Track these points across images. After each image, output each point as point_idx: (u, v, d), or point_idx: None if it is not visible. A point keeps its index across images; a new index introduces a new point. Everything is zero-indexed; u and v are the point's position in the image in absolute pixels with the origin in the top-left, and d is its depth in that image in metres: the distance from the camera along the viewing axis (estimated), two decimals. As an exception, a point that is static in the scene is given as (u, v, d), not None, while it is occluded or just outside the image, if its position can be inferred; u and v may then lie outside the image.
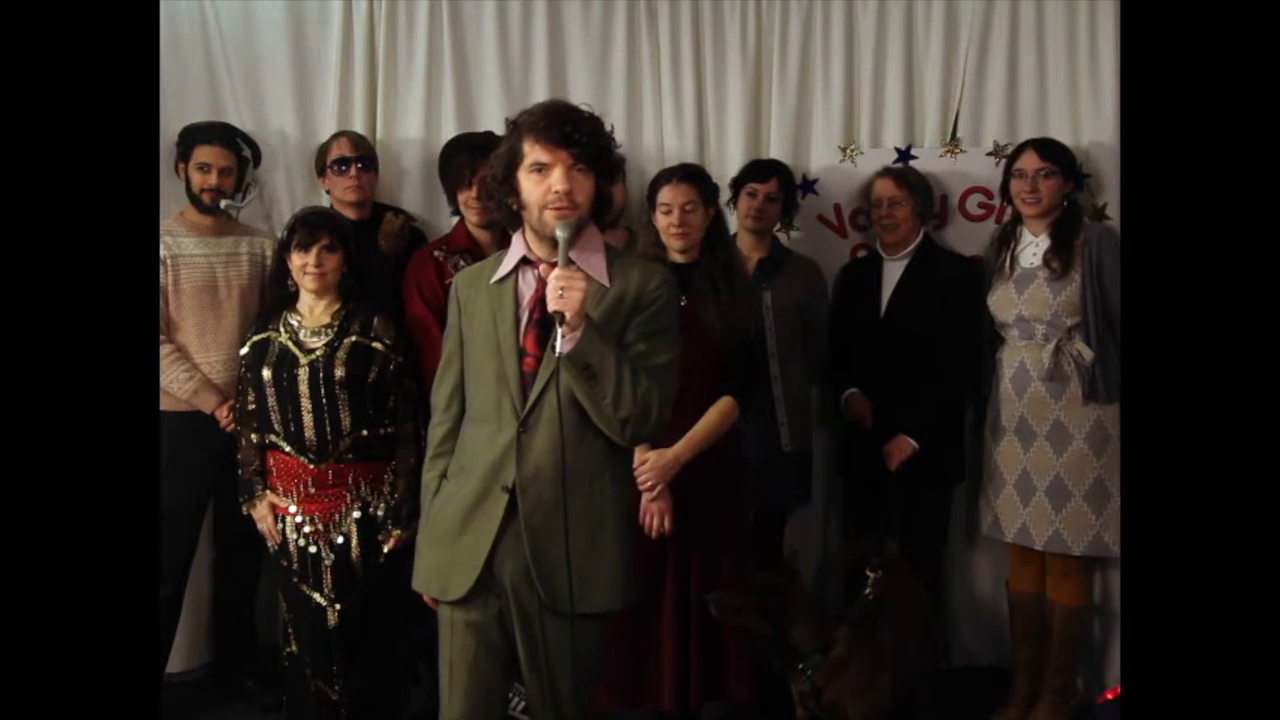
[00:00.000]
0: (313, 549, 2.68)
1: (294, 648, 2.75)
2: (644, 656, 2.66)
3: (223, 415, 3.03)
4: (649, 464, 2.58)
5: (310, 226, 2.69)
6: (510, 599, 2.06)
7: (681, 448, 2.60)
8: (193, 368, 3.05)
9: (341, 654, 2.69)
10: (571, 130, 1.95)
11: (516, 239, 2.09)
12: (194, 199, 3.13)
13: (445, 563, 2.08)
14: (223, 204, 3.16)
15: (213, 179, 3.12)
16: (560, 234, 1.93)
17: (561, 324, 1.88)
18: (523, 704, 3.05)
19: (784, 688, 2.67)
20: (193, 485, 3.09)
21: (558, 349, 1.89)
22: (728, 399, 2.66)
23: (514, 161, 1.99)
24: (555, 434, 1.98)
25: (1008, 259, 3.08)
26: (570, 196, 1.95)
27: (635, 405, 1.97)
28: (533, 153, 1.96)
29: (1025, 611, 3.13)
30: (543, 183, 1.96)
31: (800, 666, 2.51)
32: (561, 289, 1.88)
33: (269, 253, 3.20)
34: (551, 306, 1.88)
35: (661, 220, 2.69)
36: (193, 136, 3.16)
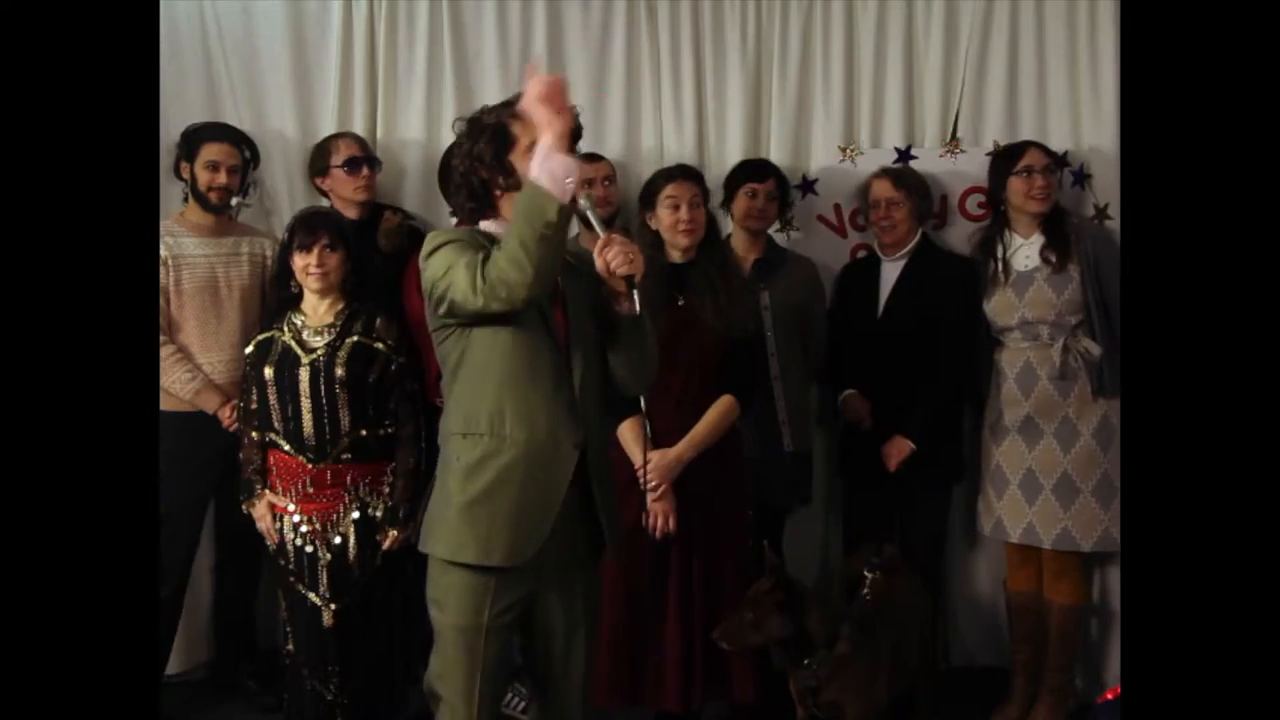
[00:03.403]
0: (310, 549, 2.68)
1: (292, 647, 2.76)
2: (647, 656, 2.66)
3: (225, 415, 3.04)
4: (652, 464, 2.59)
5: (309, 227, 2.70)
6: (566, 554, 2.10)
7: (684, 447, 2.61)
8: (195, 368, 3.05)
9: (337, 654, 2.69)
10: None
11: (495, 225, 2.12)
12: (200, 198, 3.13)
13: (510, 525, 2.04)
14: (233, 201, 3.16)
15: (222, 177, 3.12)
16: (584, 204, 2.04)
17: (631, 287, 2.04)
18: (522, 704, 3.05)
19: (784, 687, 2.67)
20: (194, 485, 3.09)
21: (636, 310, 2.05)
22: (728, 397, 2.67)
23: (504, 145, 2.07)
24: (593, 392, 2.12)
25: (999, 266, 3.09)
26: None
27: (655, 356, 2.18)
28: (529, 133, 2.04)
29: (1023, 611, 3.13)
30: None
31: (806, 662, 2.51)
32: (629, 254, 2.02)
33: (269, 253, 3.20)
34: (623, 271, 2.03)
35: (668, 217, 2.69)
36: (200, 135, 3.15)
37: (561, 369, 2.08)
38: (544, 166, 1.90)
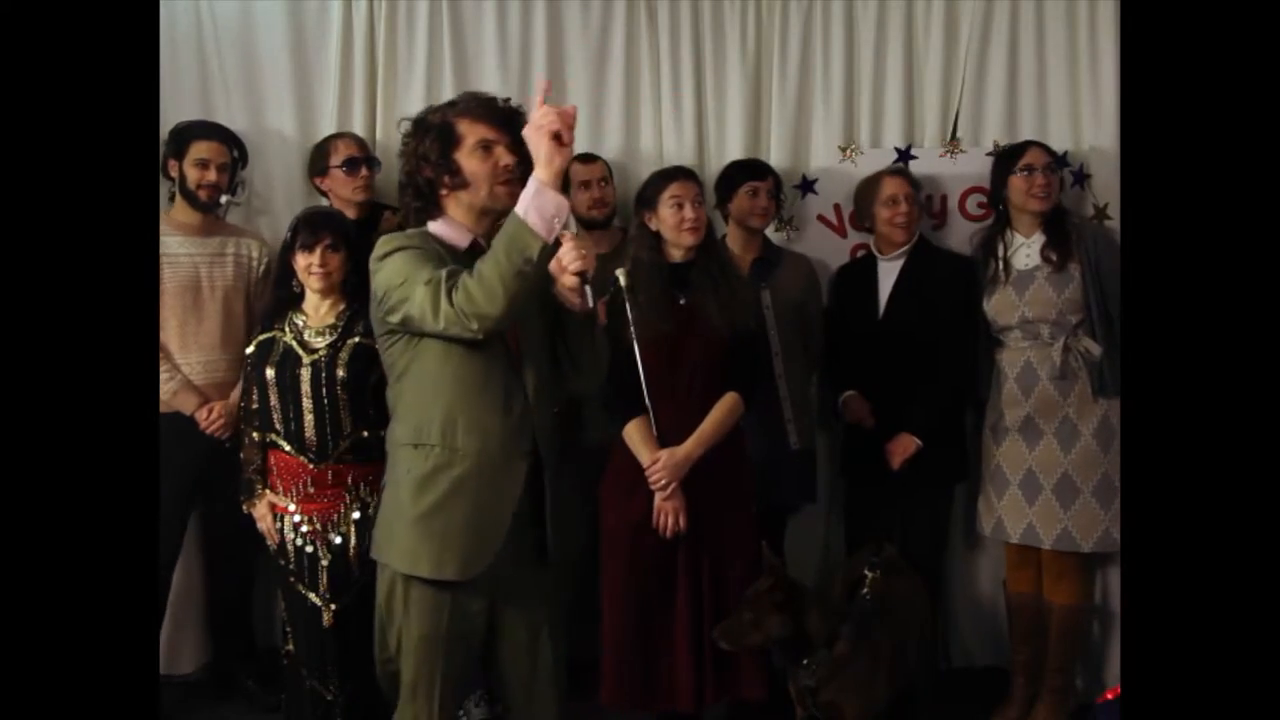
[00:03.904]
0: (310, 548, 2.68)
1: (292, 647, 2.76)
2: (658, 657, 2.66)
3: (203, 417, 3.02)
4: (661, 463, 2.60)
5: (313, 227, 2.70)
6: (521, 560, 2.09)
7: (692, 445, 2.63)
8: (173, 369, 3.03)
9: (336, 654, 2.69)
10: (511, 115, 2.11)
11: (443, 226, 2.12)
12: (189, 196, 3.10)
13: (463, 538, 2.04)
14: (223, 199, 3.14)
15: (212, 175, 3.10)
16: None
17: (586, 283, 2.04)
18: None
19: (785, 686, 2.67)
20: (172, 488, 3.03)
21: (589, 304, 2.06)
22: (733, 395, 2.68)
23: (450, 144, 2.06)
24: (546, 399, 2.13)
25: (999, 265, 3.09)
26: (517, 170, 2.05)
27: (606, 352, 2.22)
28: (475, 132, 2.06)
29: (1023, 612, 3.13)
30: (489, 159, 2.06)
31: (805, 662, 2.51)
32: (580, 250, 2.02)
33: (255, 254, 3.19)
34: (578, 267, 2.03)
35: (672, 216, 2.68)
36: (189, 133, 3.12)
37: (513, 379, 2.08)
38: (534, 202, 1.87)
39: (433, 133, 2.07)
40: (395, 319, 2.01)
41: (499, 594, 2.11)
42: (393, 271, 2.00)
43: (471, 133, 2.06)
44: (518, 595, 2.12)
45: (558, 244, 1.93)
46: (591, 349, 2.17)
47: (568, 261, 2.03)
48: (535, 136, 1.90)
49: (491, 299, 1.89)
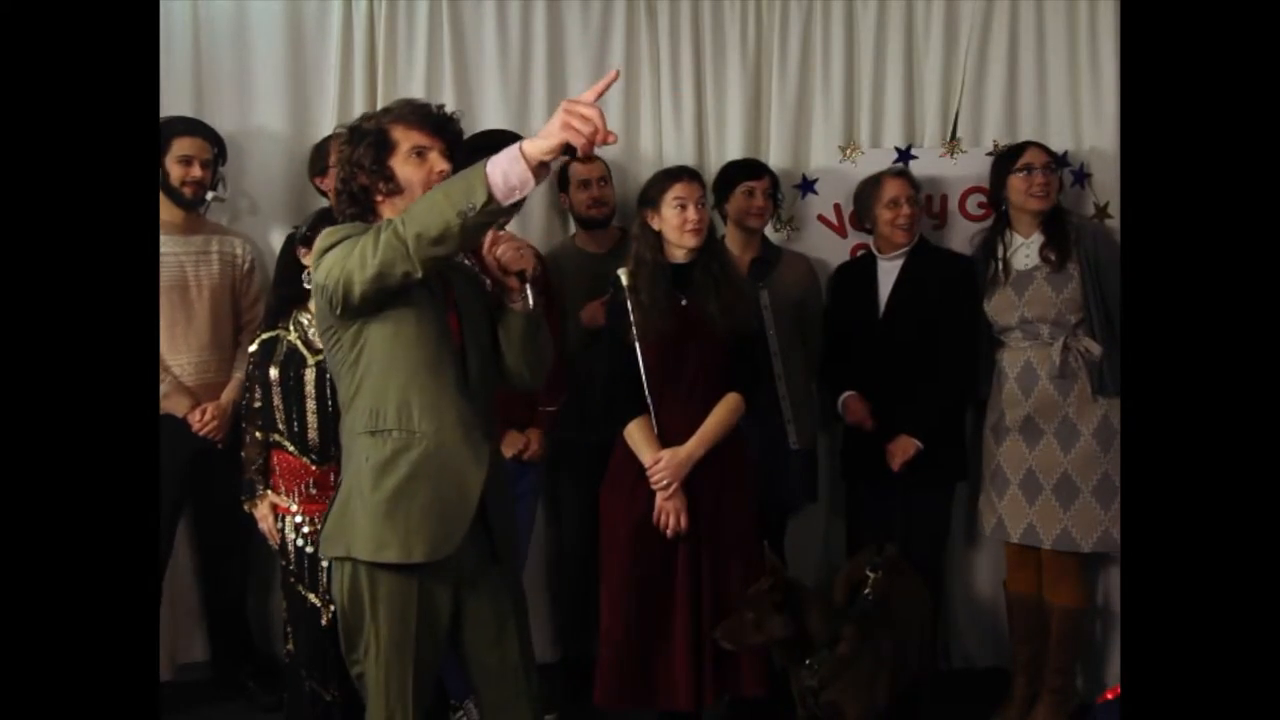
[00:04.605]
0: (310, 549, 2.68)
1: (292, 647, 2.76)
2: (656, 655, 2.66)
3: (195, 420, 3.01)
4: (664, 463, 2.61)
5: (329, 224, 2.68)
6: (483, 552, 2.10)
7: (695, 445, 2.63)
8: (163, 370, 3.01)
9: (336, 655, 2.68)
10: (445, 122, 2.12)
11: None
12: (173, 193, 3.07)
13: (429, 519, 2.03)
14: (209, 196, 3.11)
15: (196, 171, 3.07)
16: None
17: (524, 282, 2.10)
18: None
19: (786, 686, 2.67)
20: (165, 491, 3.04)
21: (531, 305, 2.12)
22: (734, 395, 2.69)
23: (384, 151, 2.07)
24: (487, 393, 2.15)
25: (999, 265, 3.09)
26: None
27: (550, 349, 2.26)
28: (409, 138, 2.07)
29: (1023, 612, 3.13)
30: (423, 166, 2.08)
31: (808, 662, 2.51)
32: (520, 250, 2.07)
33: (240, 252, 3.18)
34: (517, 266, 2.08)
35: (675, 217, 2.67)
36: (170, 129, 3.08)
37: (460, 366, 2.09)
38: (504, 164, 1.78)
39: (367, 139, 2.07)
40: (338, 297, 1.95)
41: (464, 584, 2.10)
42: (336, 259, 1.96)
43: (406, 139, 2.07)
44: (483, 585, 2.12)
45: (502, 212, 1.82)
46: (532, 347, 2.17)
47: (508, 262, 2.06)
48: (561, 118, 1.78)
49: (429, 216, 1.82)
